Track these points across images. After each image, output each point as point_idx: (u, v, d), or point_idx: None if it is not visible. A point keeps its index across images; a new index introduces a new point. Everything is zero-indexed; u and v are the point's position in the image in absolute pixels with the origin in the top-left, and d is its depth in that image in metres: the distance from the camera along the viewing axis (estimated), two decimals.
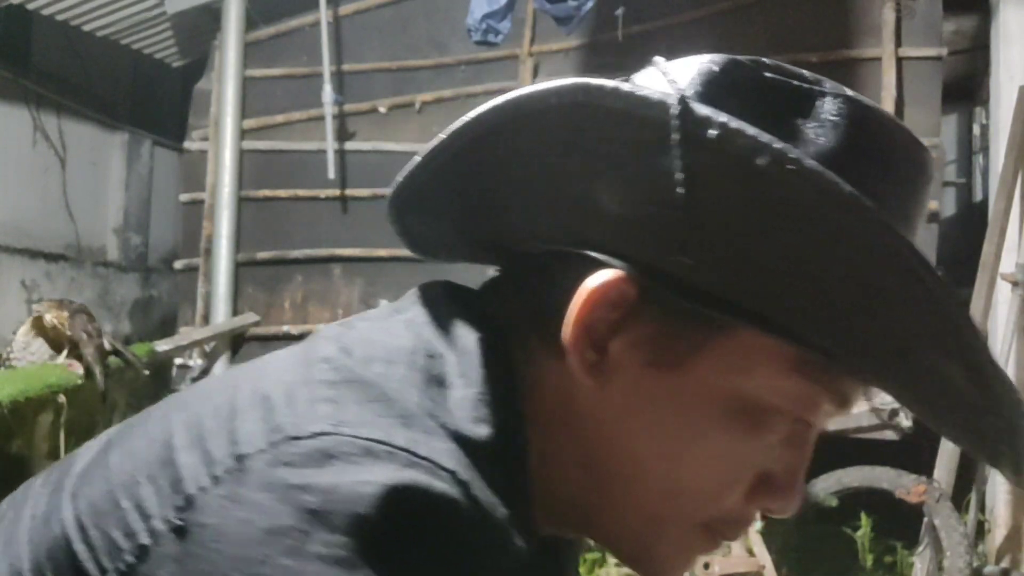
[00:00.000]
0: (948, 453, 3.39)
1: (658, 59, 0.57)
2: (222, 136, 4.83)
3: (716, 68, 0.55)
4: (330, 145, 4.56)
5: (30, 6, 5.17)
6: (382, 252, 4.65)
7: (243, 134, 4.88)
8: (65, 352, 3.38)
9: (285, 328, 4.77)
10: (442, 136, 0.57)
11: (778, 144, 0.47)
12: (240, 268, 4.82)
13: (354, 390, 0.51)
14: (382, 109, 4.76)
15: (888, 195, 0.53)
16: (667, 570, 0.60)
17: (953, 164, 7.24)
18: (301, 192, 4.82)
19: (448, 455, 0.48)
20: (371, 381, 0.51)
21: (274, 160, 4.90)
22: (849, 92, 0.56)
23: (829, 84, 0.56)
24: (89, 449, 0.58)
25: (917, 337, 0.50)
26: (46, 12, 5.25)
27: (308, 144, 4.78)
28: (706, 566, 3.12)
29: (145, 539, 0.48)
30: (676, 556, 0.60)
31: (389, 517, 0.45)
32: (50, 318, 3.35)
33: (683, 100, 0.48)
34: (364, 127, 4.79)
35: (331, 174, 4.58)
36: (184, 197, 5.11)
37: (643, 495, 0.57)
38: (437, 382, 0.53)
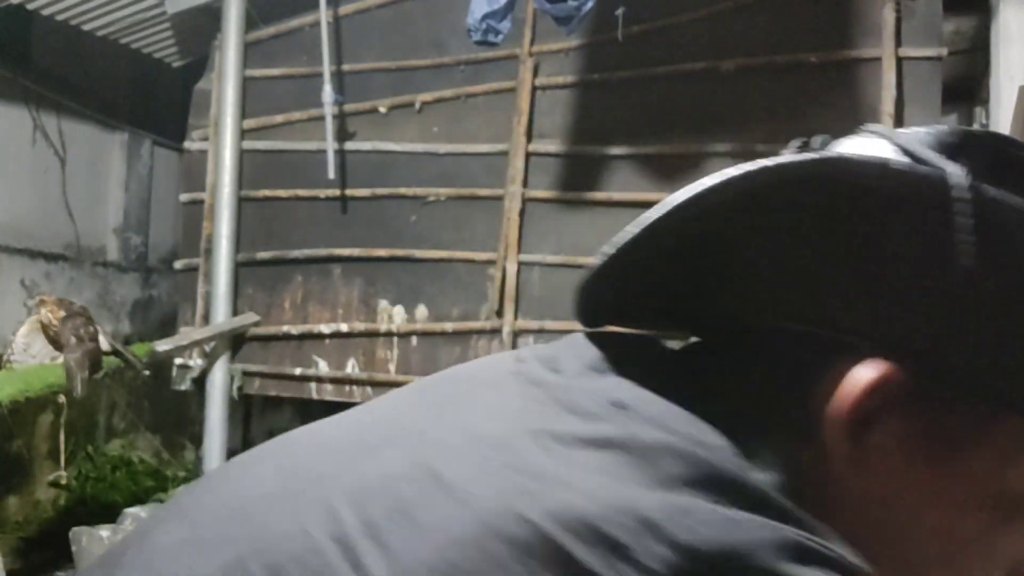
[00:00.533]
0: None
1: (877, 127, 0.54)
2: (222, 136, 4.83)
3: (973, 143, 0.52)
4: (330, 145, 4.56)
5: (30, 6, 5.17)
6: (381, 252, 4.66)
7: (243, 134, 4.88)
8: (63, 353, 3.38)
9: (285, 328, 4.78)
10: (670, 207, 0.52)
11: None
12: (240, 268, 4.82)
13: (728, 479, 0.45)
14: (382, 109, 4.76)
15: None
16: None
17: None
18: (301, 192, 4.82)
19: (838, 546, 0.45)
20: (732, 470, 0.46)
21: (274, 160, 4.90)
22: None
23: None
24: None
25: None
26: (46, 12, 5.25)
27: (308, 144, 4.78)
28: None
29: None
30: None
31: None
32: (45, 312, 3.35)
33: (973, 183, 0.46)
34: (364, 127, 4.79)
35: (331, 174, 4.58)
36: (184, 197, 5.12)
37: None
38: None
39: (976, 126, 6.68)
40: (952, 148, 0.51)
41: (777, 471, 0.49)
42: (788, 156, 0.50)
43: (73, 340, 3.28)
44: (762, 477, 0.47)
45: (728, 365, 0.55)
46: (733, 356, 0.55)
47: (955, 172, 0.47)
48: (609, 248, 0.53)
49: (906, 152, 0.50)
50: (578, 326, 0.59)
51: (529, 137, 4.48)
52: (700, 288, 0.56)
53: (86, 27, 5.46)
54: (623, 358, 0.54)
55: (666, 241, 0.53)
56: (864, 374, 0.50)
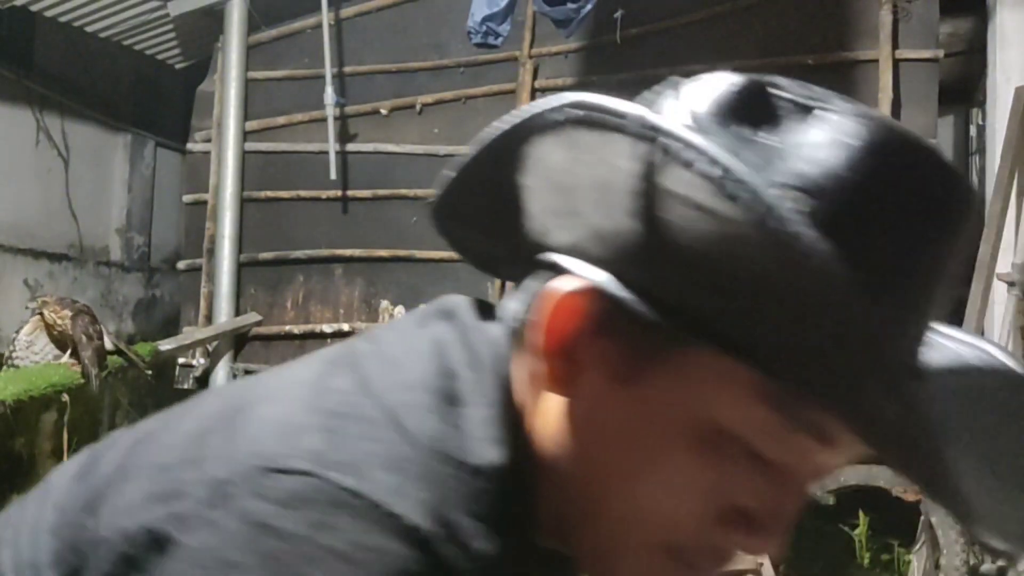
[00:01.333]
0: None
1: (676, 78, 0.57)
2: (224, 137, 4.85)
3: (723, 86, 0.54)
4: (332, 146, 4.59)
5: (33, 8, 5.19)
6: (383, 252, 4.68)
7: (245, 135, 4.90)
8: (69, 351, 3.40)
9: (287, 327, 4.81)
10: (473, 147, 0.59)
11: (741, 177, 0.46)
12: (242, 268, 4.85)
13: (357, 425, 0.52)
14: (383, 111, 4.79)
15: (895, 229, 0.50)
16: None
17: None
18: (303, 193, 4.84)
19: (422, 507, 0.49)
20: (378, 417, 0.52)
21: (276, 161, 4.93)
22: (873, 112, 0.53)
23: (850, 103, 0.53)
24: (117, 446, 0.61)
25: (861, 374, 0.48)
26: (49, 14, 5.28)
27: (310, 145, 4.81)
28: None
29: (139, 542, 0.51)
30: (638, 573, 0.57)
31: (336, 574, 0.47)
32: (49, 313, 3.36)
33: (651, 119, 0.49)
34: (365, 128, 4.82)
35: (333, 175, 4.60)
36: (187, 198, 5.14)
37: (605, 513, 0.56)
38: (455, 402, 0.55)
39: (972, 127, 6.70)
40: (721, 97, 0.54)
41: (495, 401, 0.55)
42: (557, 96, 0.54)
43: (84, 338, 3.30)
44: (471, 412, 0.54)
45: (516, 300, 0.61)
46: (522, 291, 0.61)
47: (640, 112, 0.49)
48: (450, 170, 0.61)
49: (670, 99, 0.54)
50: None
51: None
52: (515, 226, 0.60)
53: (89, 29, 5.49)
54: (453, 311, 0.61)
55: (484, 176, 0.60)
56: (557, 287, 0.55)
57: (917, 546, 3.46)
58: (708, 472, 0.53)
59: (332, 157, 4.59)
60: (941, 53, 4.05)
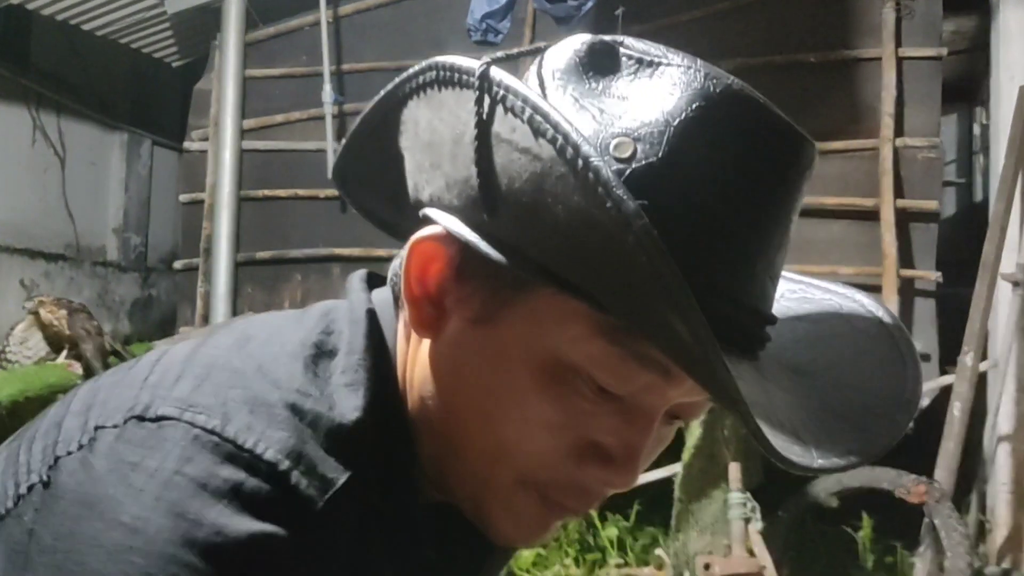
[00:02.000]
0: (948, 453, 3.39)
1: (545, 43, 0.60)
2: (222, 136, 4.83)
3: (574, 45, 0.58)
4: (330, 145, 4.56)
5: (30, 6, 5.17)
6: (381, 252, 4.65)
7: (243, 134, 4.88)
8: (65, 352, 3.37)
9: None
10: (360, 115, 0.64)
11: (552, 118, 0.50)
12: (239, 268, 4.82)
13: (223, 374, 0.57)
14: None
15: (710, 169, 0.54)
16: (503, 531, 0.62)
17: (953, 164, 7.23)
18: (300, 192, 4.81)
19: (279, 444, 0.54)
20: (247, 367, 0.58)
21: (274, 160, 4.90)
22: (700, 64, 0.56)
23: (682, 57, 0.57)
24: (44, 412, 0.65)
25: (653, 298, 0.50)
26: (46, 12, 5.25)
27: (308, 144, 4.78)
28: (707, 567, 3.11)
29: (23, 489, 0.55)
30: (506, 518, 0.61)
31: (194, 501, 0.51)
32: (45, 313, 3.34)
33: (484, 72, 0.53)
34: None
35: (330, 174, 4.57)
36: (184, 197, 5.11)
37: (468, 452, 0.60)
38: (328, 355, 0.60)
39: (976, 126, 6.68)
40: (566, 53, 0.58)
41: (361, 350, 0.61)
42: (408, 71, 0.59)
43: (84, 334, 3.29)
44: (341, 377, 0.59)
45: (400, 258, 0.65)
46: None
47: (481, 67, 0.54)
48: (347, 137, 0.67)
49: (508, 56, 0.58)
50: None
51: None
52: (402, 190, 0.65)
53: (86, 27, 5.46)
54: (350, 280, 0.68)
55: (374, 144, 0.65)
56: (416, 237, 0.60)
57: (921, 548, 3.44)
58: (559, 407, 0.57)
59: (330, 156, 4.56)
60: (944, 51, 4.02)
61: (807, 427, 0.58)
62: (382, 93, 0.62)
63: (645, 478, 3.90)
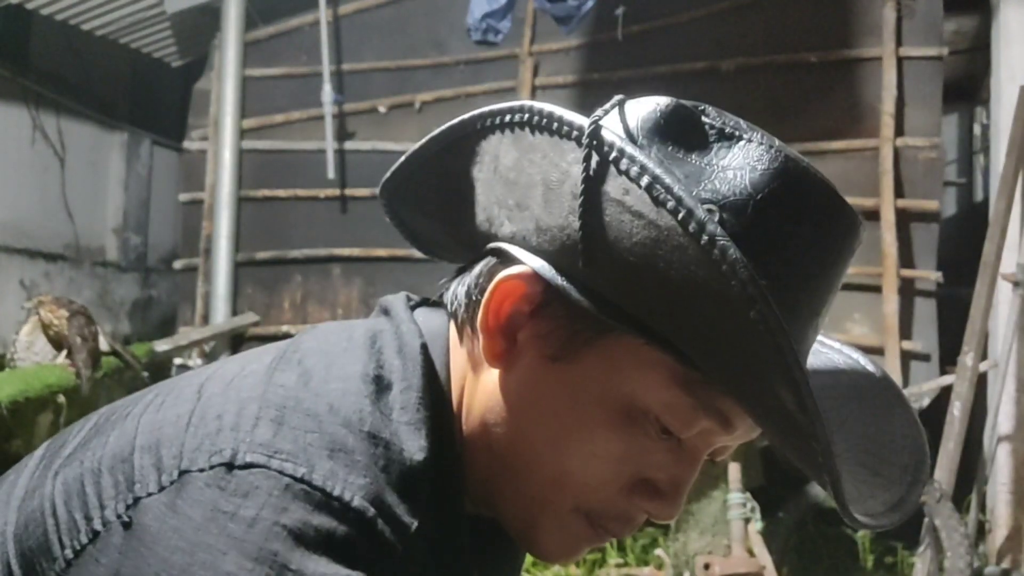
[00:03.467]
0: (948, 454, 3.38)
1: (622, 97, 0.63)
2: (221, 136, 4.82)
3: (659, 108, 0.61)
4: (329, 145, 4.56)
5: (29, 5, 5.16)
6: (381, 252, 4.65)
7: (242, 134, 4.87)
8: (65, 352, 3.37)
9: (284, 328, 4.77)
10: (429, 135, 0.67)
11: (669, 186, 0.54)
12: (239, 268, 4.82)
13: (296, 416, 0.58)
14: (382, 109, 4.75)
15: (790, 243, 0.59)
16: (547, 549, 0.67)
17: (954, 164, 7.23)
18: (300, 192, 4.81)
19: (362, 491, 0.56)
20: (319, 409, 0.59)
21: (273, 160, 4.89)
22: (778, 143, 0.61)
23: (760, 135, 0.61)
24: (80, 429, 0.66)
25: (765, 368, 0.55)
26: (45, 11, 5.24)
27: (308, 144, 4.78)
28: (706, 567, 3.11)
29: (98, 526, 0.56)
30: (555, 538, 0.66)
31: (294, 553, 0.53)
32: (45, 313, 3.33)
33: (595, 130, 0.56)
34: (363, 127, 4.79)
35: (331, 174, 4.57)
36: (183, 197, 5.11)
37: (530, 476, 0.64)
38: (387, 389, 0.62)
39: (977, 126, 6.68)
40: (653, 115, 0.61)
41: (417, 385, 0.63)
42: (516, 102, 0.62)
43: (79, 340, 3.27)
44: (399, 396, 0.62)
45: (460, 284, 0.69)
46: (467, 275, 0.69)
47: (588, 123, 0.57)
48: (403, 158, 0.71)
49: (606, 114, 0.60)
50: None
51: None
52: (466, 215, 0.69)
53: (85, 26, 5.45)
54: (391, 304, 0.71)
55: (440, 166, 0.68)
56: (503, 273, 0.63)
57: (921, 548, 3.44)
58: (624, 444, 0.62)
59: (330, 156, 4.56)
60: (945, 51, 4.02)
61: (853, 481, 0.65)
62: (457, 120, 0.65)
63: None
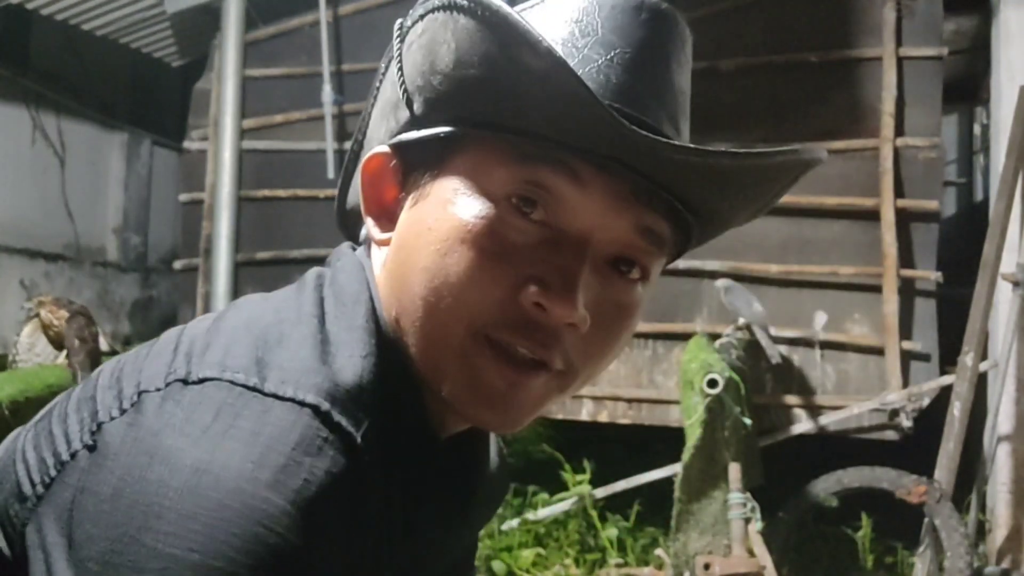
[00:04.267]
0: (948, 453, 3.38)
1: None
2: (221, 136, 4.82)
3: None
4: (330, 145, 4.56)
5: (29, 5, 5.16)
6: None
7: (243, 134, 4.87)
8: (65, 352, 3.37)
9: None
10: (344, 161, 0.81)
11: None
12: (240, 268, 4.82)
13: (248, 338, 0.61)
14: None
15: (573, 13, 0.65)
16: (475, 396, 0.64)
17: (954, 164, 7.23)
18: (301, 192, 4.81)
19: (315, 390, 0.58)
20: (267, 332, 0.62)
21: (274, 160, 4.89)
22: None
23: None
24: (58, 398, 0.68)
25: (505, 51, 0.59)
26: (45, 11, 5.24)
27: (308, 144, 4.78)
28: (706, 567, 3.11)
29: (66, 457, 0.59)
30: (472, 376, 0.64)
31: (252, 449, 0.54)
32: (45, 314, 3.33)
33: (401, 24, 0.66)
34: None
35: (331, 174, 4.57)
36: (183, 197, 5.11)
37: (425, 317, 0.64)
38: (330, 313, 0.65)
39: (977, 126, 6.68)
40: None
41: (354, 301, 0.66)
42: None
43: (77, 342, 3.27)
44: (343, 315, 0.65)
45: None
46: None
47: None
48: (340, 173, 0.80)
49: None
50: None
51: None
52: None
53: (85, 27, 5.45)
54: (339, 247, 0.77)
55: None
56: (363, 163, 0.70)
57: (921, 548, 3.44)
58: (487, 238, 0.62)
59: (330, 156, 4.56)
60: (945, 51, 4.02)
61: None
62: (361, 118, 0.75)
63: (645, 478, 3.90)
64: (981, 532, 3.78)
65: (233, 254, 4.78)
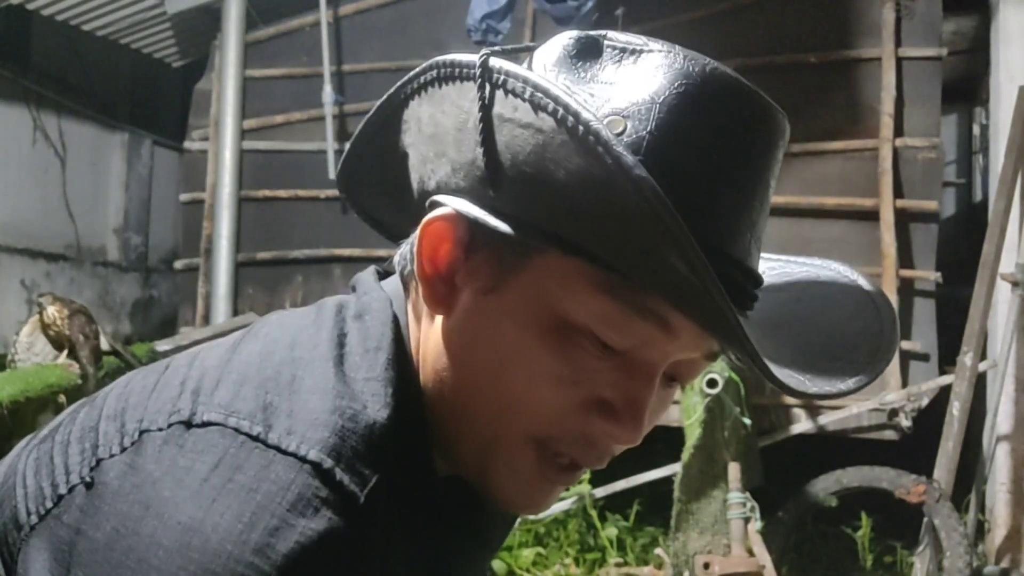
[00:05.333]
0: (948, 453, 3.39)
1: (532, 43, 0.65)
2: (222, 136, 4.83)
3: (563, 40, 0.63)
4: (330, 145, 4.56)
5: (30, 6, 5.16)
6: (382, 252, 4.65)
7: (243, 134, 4.88)
8: (65, 352, 3.37)
9: None
10: (365, 118, 0.69)
11: (549, 92, 0.54)
12: (240, 268, 4.82)
13: (258, 380, 0.60)
14: None
15: (693, 135, 0.59)
16: (505, 492, 0.65)
17: (953, 164, 7.24)
18: (301, 192, 4.81)
19: (320, 445, 0.56)
20: (280, 372, 0.60)
21: (274, 160, 4.90)
22: (679, 48, 0.61)
23: (662, 44, 0.61)
24: (65, 413, 0.68)
25: (652, 240, 0.55)
26: (46, 12, 5.25)
27: (308, 144, 4.78)
28: (706, 566, 3.12)
29: (63, 490, 0.58)
30: (508, 474, 0.64)
31: (247, 506, 0.54)
32: (52, 311, 3.34)
33: (484, 62, 0.57)
34: None
35: (331, 174, 4.57)
36: (184, 197, 5.11)
37: (479, 415, 0.63)
38: (351, 353, 0.63)
39: (976, 126, 6.68)
40: (558, 45, 0.62)
41: (379, 347, 0.63)
42: (408, 75, 0.64)
43: (81, 338, 3.28)
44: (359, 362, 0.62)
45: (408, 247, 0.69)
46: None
47: (479, 60, 0.58)
48: (352, 139, 0.72)
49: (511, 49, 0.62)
50: None
51: None
52: (406, 185, 0.69)
53: (86, 27, 5.46)
54: (358, 278, 0.73)
55: (378, 147, 0.70)
56: (425, 220, 0.63)
57: (920, 548, 3.44)
58: (564, 363, 0.60)
59: (331, 156, 4.56)
60: (944, 51, 4.03)
61: (795, 363, 0.64)
62: (384, 97, 0.66)
63: (645, 478, 3.91)
64: (980, 532, 3.79)
65: (234, 254, 4.78)
